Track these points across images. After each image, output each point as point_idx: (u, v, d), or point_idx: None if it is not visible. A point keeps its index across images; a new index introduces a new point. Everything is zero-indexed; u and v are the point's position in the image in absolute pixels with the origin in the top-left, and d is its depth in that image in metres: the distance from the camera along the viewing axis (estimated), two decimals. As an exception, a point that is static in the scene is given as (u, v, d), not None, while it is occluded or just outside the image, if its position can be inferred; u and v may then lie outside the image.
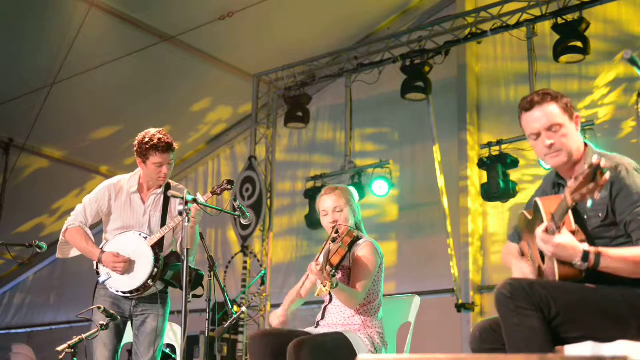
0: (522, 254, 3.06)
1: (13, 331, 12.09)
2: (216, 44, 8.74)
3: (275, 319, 3.86)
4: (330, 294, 3.84)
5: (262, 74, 9.17)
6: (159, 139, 4.25)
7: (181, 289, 4.20)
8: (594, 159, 2.33)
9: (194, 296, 4.21)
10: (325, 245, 3.77)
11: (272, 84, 9.30)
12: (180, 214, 3.85)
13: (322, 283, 3.47)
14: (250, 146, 9.22)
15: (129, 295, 4.22)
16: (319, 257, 3.66)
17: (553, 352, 2.53)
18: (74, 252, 4.44)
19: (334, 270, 3.48)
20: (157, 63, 8.78)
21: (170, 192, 4.35)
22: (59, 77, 8.21)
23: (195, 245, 4.32)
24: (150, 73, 8.93)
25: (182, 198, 3.80)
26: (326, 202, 3.93)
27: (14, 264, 11.49)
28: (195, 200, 3.87)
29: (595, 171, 2.32)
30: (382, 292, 3.92)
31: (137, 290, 4.19)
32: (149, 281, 4.18)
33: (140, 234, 4.28)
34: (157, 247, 4.24)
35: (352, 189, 4.14)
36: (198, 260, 8.63)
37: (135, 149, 4.32)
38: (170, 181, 4.47)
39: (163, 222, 4.36)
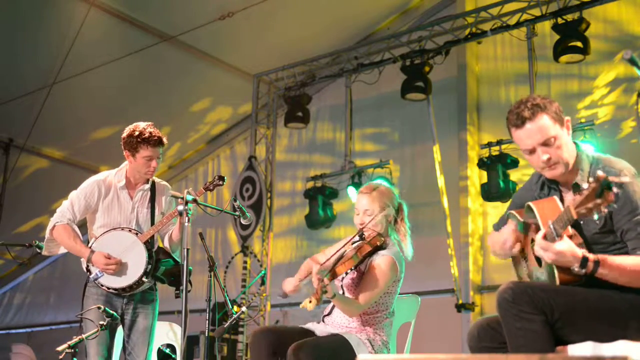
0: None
1: (13, 331, 12.09)
2: (216, 44, 8.74)
3: (289, 285, 3.76)
4: (342, 289, 3.81)
5: (262, 74, 9.17)
6: (150, 132, 4.17)
7: (170, 284, 4.21)
8: (600, 173, 2.27)
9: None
10: (344, 245, 3.66)
11: (272, 84, 9.30)
12: (181, 214, 3.84)
13: (309, 297, 3.37)
14: (250, 146, 9.22)
15: (120, 292, 4.16)
16: (330, 258, 3.57)
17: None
18: (61, 250, 4.33)
19: (325, 287, 3.34)
20: (157, 63, 8.78)
21: (171, 192, 4.35)
22: (59, 77, 8.20)
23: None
24: (150, 73, 8.93)
25: (182, 198, 3.79)
26: (361, 202, 3.79)
27: (14, 264, 11.48)
28: (195, 200, 3.86)
29: (603, 187, 2.25)
30: (394, 306, 3.80)
31: (130, 287, 4.14)
32: (143, 277, 4.13)
33: (130, 230, 4.21)
34: (149, 243, 4.20)
35: (393, 190, 3.93)
36: (198, 260, 8.67)
37: (123, 141, 4.22)
38: (153, 177, 4.38)
39: (151, 218, 4.30)
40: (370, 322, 3.71)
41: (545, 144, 2.69)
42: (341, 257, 3.55)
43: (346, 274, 3.60)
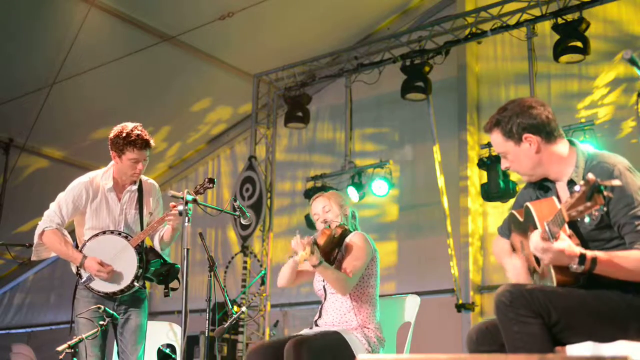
0: (513, 250, 3.05)
1: (13, 331, 12.09)
2: (216, 43, 8.74)
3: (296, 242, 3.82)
4: (325, 290, 3.87)
5: (262, 74, 9.17)
6: (137, 135, 4.10)
7: (159, 283, 4.22)
8: (590, 175, 2.28)
9: (171, 289, 4.19)
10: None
11: (272, 84, 9.30)
12: (180, 214, 3.83)
13: (303, 249, 3.58)
14: (250, 146, 9.22)
15: (111, 295, 4.14)
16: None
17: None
18: (51, 254, 4.30)
19: (315, 241, 3.62)
20: (157, 63, 8.78)
21: (171, 192, 4.33)
22: (59, 77, 8.20)
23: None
24: (150, 73, 8.93)
25: (182, 198, 3.79)
26: (316, 206, 4.06)
27: (14, 264, 11.50)
28: (195, 200, 3.86)
29: (593, 190, 2.27)
30: (378, 288, 3.93)
31: (122, 291, 4.13)
32: (135, 282, 4.12)
33: (120, 234, 4.19)
34: (139, 246, 4.18)
35: (345, 192, 4.22)
36: (198, 260, 8.67)
37: (110, 142, 4.16)
38: (141, 176, 4.34)
39: (140, 219, 4.28)
40: (361, 309, 3.80)
41: (502, 155, 2.86)
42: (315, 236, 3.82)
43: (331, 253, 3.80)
